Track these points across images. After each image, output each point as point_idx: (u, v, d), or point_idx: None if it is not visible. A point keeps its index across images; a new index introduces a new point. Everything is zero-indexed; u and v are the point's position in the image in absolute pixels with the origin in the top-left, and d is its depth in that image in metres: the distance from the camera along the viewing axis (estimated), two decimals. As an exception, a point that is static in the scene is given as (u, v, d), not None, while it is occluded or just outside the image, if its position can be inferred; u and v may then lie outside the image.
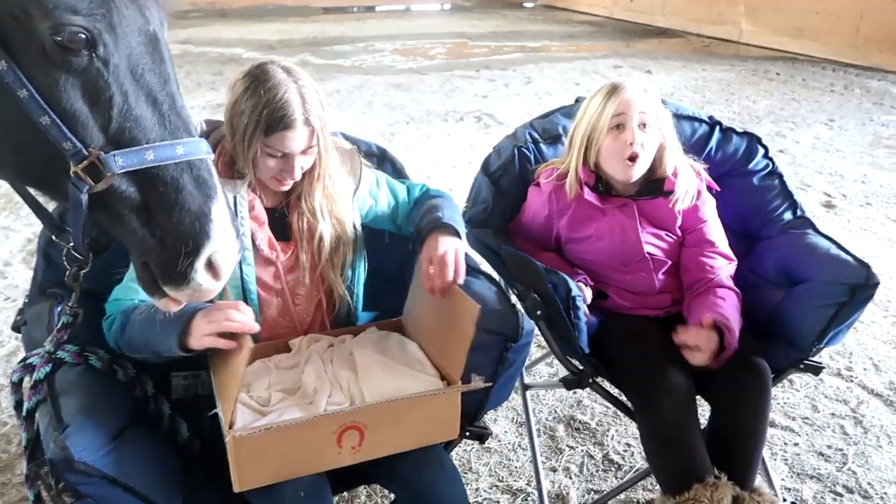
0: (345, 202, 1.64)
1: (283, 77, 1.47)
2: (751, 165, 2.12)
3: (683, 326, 1.75)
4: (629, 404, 1.80)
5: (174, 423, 1.45)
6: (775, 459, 2.27)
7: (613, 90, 1.81)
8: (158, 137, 1.08)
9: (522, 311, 1.59)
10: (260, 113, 1.44)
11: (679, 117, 2.10)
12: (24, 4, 0.97)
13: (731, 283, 1.88)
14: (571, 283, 1.70)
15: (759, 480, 1.71)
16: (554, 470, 2.22)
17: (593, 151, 1.85)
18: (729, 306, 1.78)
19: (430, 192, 1.79)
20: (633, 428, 2.37)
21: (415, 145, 5.21)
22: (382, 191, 1.76)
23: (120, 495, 1.22)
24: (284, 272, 1.61)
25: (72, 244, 1.20)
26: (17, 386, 1.31)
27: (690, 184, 1.87)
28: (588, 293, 1.82)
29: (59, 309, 1.27)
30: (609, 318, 1.90)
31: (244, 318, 1.34)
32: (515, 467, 2.24)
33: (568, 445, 2.33)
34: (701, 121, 2.16)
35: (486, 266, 1.92)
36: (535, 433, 2.16)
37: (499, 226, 2.02)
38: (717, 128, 2.16)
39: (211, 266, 1.15)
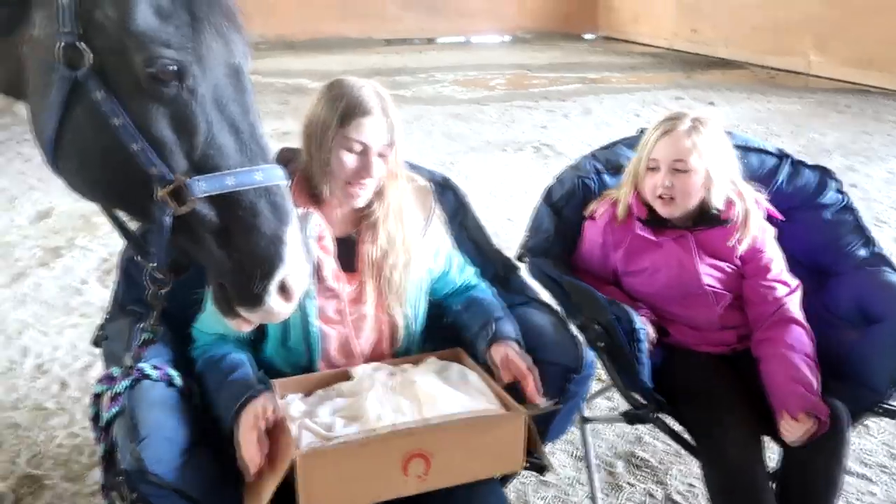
0: (415, 234, 1.63)
1: (360, 79, 1.54)
2: (822, 199, 2.07)
3: (786, 423, 1.65)
4: (693, 442, 1.75)
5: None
6: (849, 507, 2.16)
7: (662, 133, 1.80)
8: (238, 164, 1.13)
9: (583, 342, 1.57)
10: (335, 107, 1.48)
11: (747, 149, 2.06)
12: (121, 38, 1.04)
13: (800, 316, 1.81)
14: (634, 316, 1.68)
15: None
16: (613, 507, 2.17)
17: (642, 186, 1.85)
18: (808, 370, 1.70)
19: (482, 287, 1.76)
20: (696, 467, 2.29)
21: (473, 174, 5.25)
22: (443, 252, 1.72)
23: (183, 507, 1.26)
24: (348, 304, 1.60)
25: (154, 264, 1.25)
26: (97, 398, 1.37)
27: (751, 215, 1.83)
28: (651, 329, 1.79)
29: (140, 326, 1.33)
30: (673, 354, 1.86)
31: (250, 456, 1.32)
32: (573, 502, 2.20)
33: (627, 482, 2.27)
34: (769, 153, 2.12)
35: (546, 296, 1.91)
36: (594, 468, 2.12)
37: (560, 256, 2.01)
38: (787, 160, 2.11)
39: (283, 289, 1.19)
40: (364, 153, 1.50)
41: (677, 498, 2.19)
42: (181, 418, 1.35)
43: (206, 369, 1.49)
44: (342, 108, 1.47)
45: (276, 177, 1.17)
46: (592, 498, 2.08)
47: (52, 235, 4.22)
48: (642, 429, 2.49)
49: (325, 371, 1.60)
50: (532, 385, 1.46)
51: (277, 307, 1.19)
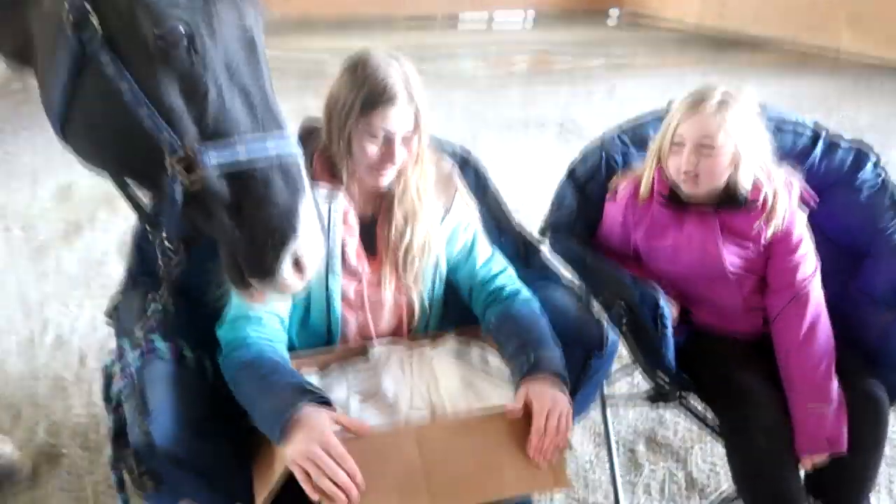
0: (435, 217, 1.57)
1: (386, 58, 1.41)
2: (859, 178, 1.98)
3: (807, 457, 1.59)
4: (717, 424, 1.70)
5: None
6: (879, 493, 2.10)
7: (689, 109, 1.71)
8: (250, 131, 1.10)
9: (606, 321, 1.52)
10: (360, 89, 1.38)
11: (780, 125, 1.98)
12: (129, 1, 1.00)
13: (821, 305, 1.72)
14: (659, 294, 1.62)
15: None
16: (632, 486, 2.13)
17: (666, 163, 1.77)
18: (823, 377, 1.62)
19: (522, 298, 1.57)
20: (718, 448, 2.24)
21: (495, 153, 5.18)
22: (461, 238, 1.63)
23: (196, 483, 1.24)
24: (367, 287, 1.55)
25: (165, 236, 1.23)
26: (107, 372, 1.35)
27: (780, 199, 1.75)
28: (674, 309, 1.74)
29: (150, 297, 1.30)
30: (698, 336, 1.80)
31: (346, 483, 1.15)
32: (592, 481, 2.16)
33: (648, 462, 2.23)
34: (804, 130, 2.03)
35: (568, 274, 1.86)
36: (614, 447, 2.08)
37: (583, 233, 1.95)
38: (823, 137, 2.02)
39: (296, 262, 1.15)
40: (387, 141, 1.42)
41: (699, 478, 2.15)
42: (192, 394, 1.32)
43: (239, 375, 1.35)
44: (365, 95, 1.38)
45: (290, 147, 1.13)
46: (612, 477, 2.04)
47: (74, 211, 4.24)
48: (664, 408, 2.43)
49: (342, 346, 1.57)
50: (536, 445, 1.27)
51: (291, 280, 1.16)
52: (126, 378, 1.29)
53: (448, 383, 1.42)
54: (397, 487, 1.20)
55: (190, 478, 1.23)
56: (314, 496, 1.15)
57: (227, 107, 1.08)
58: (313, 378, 1.49)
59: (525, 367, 1.37)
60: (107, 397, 1.31)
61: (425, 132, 1.48)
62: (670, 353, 1.65)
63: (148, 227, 1.24)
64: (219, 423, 1.33)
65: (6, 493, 2.10)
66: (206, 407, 1.35)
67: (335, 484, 1.14)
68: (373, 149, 1.42)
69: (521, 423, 1.30)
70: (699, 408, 1.74)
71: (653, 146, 1.82)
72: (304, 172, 1.16)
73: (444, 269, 1.62)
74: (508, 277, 1.64)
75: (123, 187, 1.23)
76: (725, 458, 2.15)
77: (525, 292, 1.60)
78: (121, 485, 1.28)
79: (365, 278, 1.54)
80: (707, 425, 1.71)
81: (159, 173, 1.08)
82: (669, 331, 1.63)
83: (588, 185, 2.00)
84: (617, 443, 2.27)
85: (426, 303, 1.60)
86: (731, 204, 1.75)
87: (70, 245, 3.85)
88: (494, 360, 1.53)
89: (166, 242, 1.23)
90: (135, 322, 1.38)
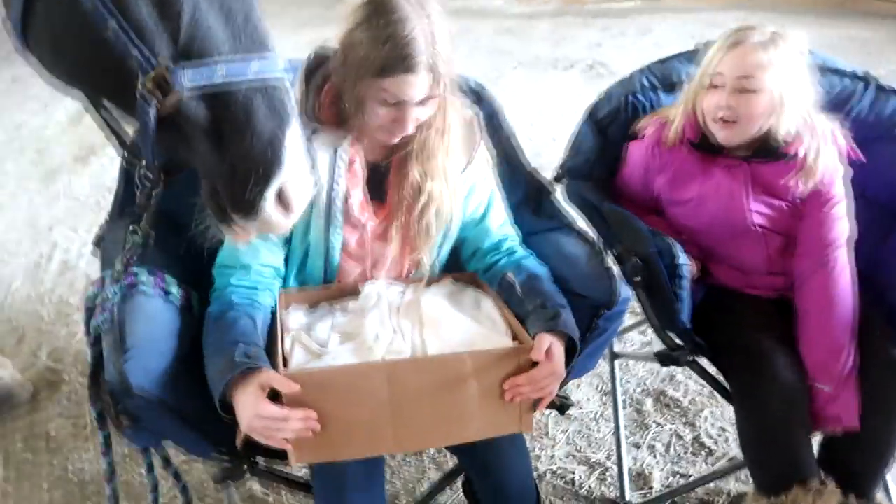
0: (454, 173, 1.44)
1: (411, 10, 1.24)
2: (908, 131, 1.82)
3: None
4: (728, 387, 1.61)
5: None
6: None
7: (732, 44, 1.55)
8: (231, 51, 0.99)
9: (618, 276, 1.42)
10: (378, 48, 1.23)
11: (825, 71, 1.81)
12: None
13: (848, 266, 1.59)
14: (678, 250, 1.51)
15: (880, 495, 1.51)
16: (637, 446, 2.07)
17: (699, 105, 1.63)
18: (836, 371, 1.49)
19: (535, 260, 1.50)
20: (730, 411, 2.17)
21: (520, 91, 4.99)
22: (478, 196, 1.52)
23: (173, 423, 1.19)
24: (371, 239, 1.45)
25: (143, 164, 1.14)
26: (90, 303, 1.29)
27: (821, 154, 1.60)
28: (694, 266, 1.63)
29: (130, 229, 1.23)
30: (715, 295, 1.69)
31: (300, 430, 1.14)
32: (596, 438, 2.11)
33: (655, 422, 2.16)
34: (850, 76, 1.87)
35: (582, 223, 1.76)
36: (620, 405, 2.01)
37: (601, 179, 1.83)
38: (871, 85, 1.86)
39: (282, 197, 1.07)
40: (401, 107, 1.29)
41: (707, 442, 2.08)
42: (175, 330, 1.26)
43: (207, 327, 1.30)
44: (384, 57, 1.23)
45: (275, 69, 1.03)
46: (617, 435, 1.98)
47: (87, 135, 4.18)
48: (675, 367, 2.35)
49: (335, 285, 1.49)
50: (522, 390, 1.23)
51: (275, 216, 1.08)
52: (105, 311, 1.22)
53: (433, 325, 1.34)
54: (363, 421, 1.19)
55: (169, 420, 1.18)
56: (285, 447, 1.16)
57: (205, 24, 0.98)
58: (300, 315, 1.42)
59: (550, 320, 1.31)
60: (88, 330, 1.25)
61: (450, 87, 1.34)
62: (685, 314, 1.55)
63: (125, 155, 1.15)
64: (199, 360, 1.27)
65: (5, 416, 2.11)
66: (192, 344, 1.29)
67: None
68: (385, 112, 1.30)
69: (494, 364, 1.25)
70: (712, 370, 1.64)
71: (687, 86, 1.67)
72: (292, 100, 1.06)
73: (455, 231, 1.52)
74: (519, 244, 1.57)
75: (98, 108, 1.14)
76: (735, 423, 2.11)
77: (533, 258, 1.52)
78: (101, 420, 1.24)
79: (369, 229, 1.45)
80: (720, 389, 1.62)
81: (131, 95, 0.99)
82: (686, 290, 1.53)
83: (610, 127, 1.86)
84: (624, 400, 2.21)
85: (431, 263, 1.51)
86: (765, 155, 1.61)
87: (82, 169, 3.81)
88: (487, 304, 1.44)
89: (145, 171, 1.15)
90: (120, 253, 1.31)
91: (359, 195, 1.41)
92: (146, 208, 1.19)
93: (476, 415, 1.23)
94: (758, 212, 1.63)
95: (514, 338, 1.35)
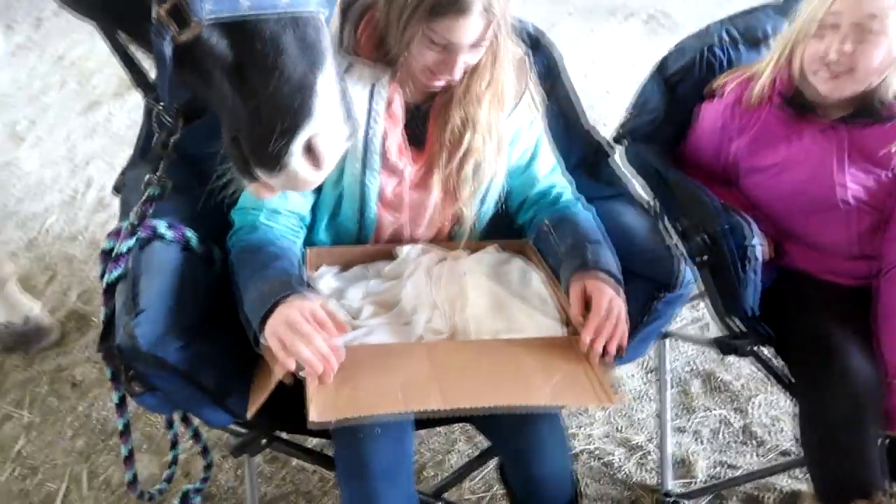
0: (501, 119, 1.32)
1: None
2: None
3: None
4: (793, 381, 1.46)
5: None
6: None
7: None
8: (258, -20, 0.86)
9: (680, 255, 1.26)
10: None
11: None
12: None
13: None
14: (751, 229, 1.34)
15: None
16: (681, 430, 1.94)
17: (798, 55, 1.43)
18: None
19: (582, 207, 1.40)
20: (784, 398, 2.02)
21: (574, 40, 4.72)
22: (524, 142, 1.39)
23: (188, 392, 1.10)
24: (410, 187, 1.33)
25: (162, 105, 1.03)
26: (106, 255, 1.20)
27: None
28: (767, 246, 1.46)
29: (147, 179, 1.12)
30: (787, 278, 1.52)
31: (323, 350, 1.02)
32: (637, 419, 1.98)
33: (702, 406, 2.02)
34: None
35: (642, 192, 1.60)
36: (666, 385, 1.87)
37: (668, 143, 1.66)
38: None
39: (310, 150, 0.95)
40: (450, 50, 1.18)
41: (758, 431, 1.94)
42: (194, 288, 1.16)
43: (239, 258, 1.20)
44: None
45: (310, 2, 0.90)
46: (661, 418, 1.85)
47: (129, 66, 4.09)
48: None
49: (370, 246, 1.38)
50: (599, 346, 1.12)
51: (303, 171, 0.96)
52: (119, 265, 1.13)
53: (477, 304, 1.21)
54: (400, 382, 1.04)
55: (183, 387, 1.09)
56: (289, 365, 1.02)
57: None
58: (329, 278, 1.31)
59: (581, 262, 1.22)
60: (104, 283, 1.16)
61: (504, 31, 1.21)
62: (753, 299, 1.39)
63: (143, 95, 1.04)
64: (225, 322, 1.17)
65: (33, 355, 2.08)
66: (212, 301, 1.20)
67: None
68: (432, 55, 1.19)
69: (546, 349, 1.13)
70: (774, 360, 1.49)
71: (785, 34, 1.46)
72: (327, 38, 0.94)
73: (500, 181, 1.38)
74: (569, 192, 1.44)
75: (114, 41, 1.03)
76: (792, 414, 1.96)
77: (580, 205, 1.41)
78: (115, 380, 1.16)
79: (407, 176, 1.33)
80: (781, 382, 1.47)
81: (146, 25, 0.87)
82: (756, 273, 1.37)
83: (680, 84, 1.67)
84: (670, 380, 2.07)
85: (473, 216, 1.39)
86: (867, 116, 1.41)
87: (122, 102, 3.73)
88: (536, 281, 1.31)
89: (163, 112, 1.04)
90: (139, 200, 1.20)
91: (397, 138, 1.29)
92: (164, 156, 1.09)
93: (539, 381, 1.06)
94: (850, 183, 1.44)
95: (567, 322, 1.23)
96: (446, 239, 1.43)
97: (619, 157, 1.62)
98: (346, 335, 1.14)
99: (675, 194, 1.52)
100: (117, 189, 1.39)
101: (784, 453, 1.87)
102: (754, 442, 1.91)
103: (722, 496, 1.74)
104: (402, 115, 1.30)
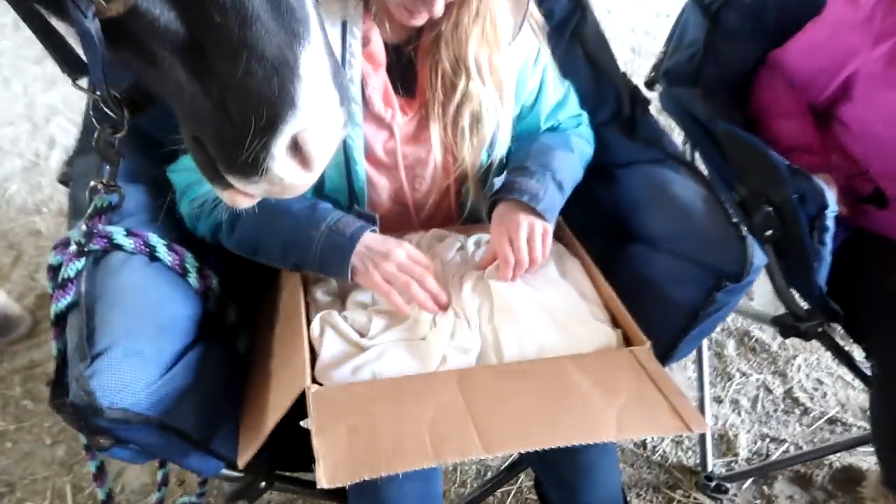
0: (503, 53, 1.09)
1: None
2: None
3: None
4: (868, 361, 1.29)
5: (235, 334, 1.09)
6: None
7: None
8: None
9: (749, 237, 1.05)
10: None
11: None
12: None
13: None
14: (829, 195, 1.13)
15: None
16: (718, 401, 1.79)
17: None
18: None
19: (563, 130, 1.24)
20: (828, 359, 1.86)
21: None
22: (530, 80, 1.18)
23: (168, 441, 0.91)
24: (402, 142, 1.12)
25: (97, 94, 0.79)
26: (54, 272, 0.98)
27: None
28: (842, 208, 1.25)
29: (91, 186, 0.89)
30: (863, 241, 1.31)
31: (437, 290, 1.01)
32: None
33: (739, 370, 1.86)
34: None
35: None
36: (706, 358, 1.70)
37: (715, 87, 1.42)
38: None
39: (297, 150, 0.73)
40: None
41: (800, 397, 1.79)
42: (170, 317, 0.95)
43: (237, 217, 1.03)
44: None
45: None
46: (700, 392, 1.68)
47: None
48: (764, 298, 2.01)
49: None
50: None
51: (289, 177, 0.74)
52: (68, 293, 0.91)
53: (508, 308, 1.01)
54: (430, 428, 0.84)
55: (162, 437, 0.89)
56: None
57: None
58: (327, 281, 1.11)
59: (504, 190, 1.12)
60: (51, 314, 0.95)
61: None
62: (823, 273, 1.20)
63: (72, 80, 0.80)
64: (198, 349, 0.97)
65: (1, 351, 1.88)
66: (190, 322, 0.99)
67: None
68: None
69: (600, 363, 0.94)
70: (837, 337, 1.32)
71: None
72: (309, 1, 0.69)
73: (507, 132, 1.17)
74: (576, 119, 1.27)
75: (29, 12, 0.78)
76: (836, 376, 1.80)
77: (586, 130, 1.27)
78: (87, 447, 0.96)
79: (398, 130, 1.11)
80: (852, 366, 1.30)
81: None
82: (829, 245, 1.17)
83: (724, 10, 1.42)
84: (707, 346, 1.89)
85: (477, 174, 1.18)
86: None
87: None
88: (574, 268, 1.12)
89: (101, 103, 0.80)
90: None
91: (380, 84, 1.07)
92: (111, 159, 0.85)
93: (601, 408, 0.87)
94: None
95: (614, 322, 1.03)
96: (456, 203, 1.22)
97: (652, 108, 1.39)
98: (356, 360, 0.94)
99: (725, 152, 1.30)
100: (64, 181, 1.16)
101: (831, 421, 1.72)
102: (798, 410, 1.76)
103: (768, 475, 1.60)
104: (383, 57, 1.07)
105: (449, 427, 0.84)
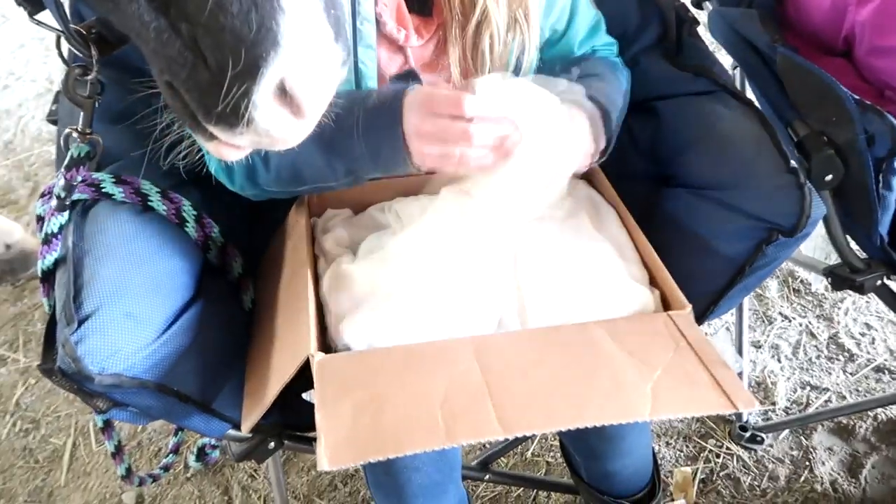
0: None
1: None
2: None
3: None
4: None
5: (240, 286, 1.02)
6: None
7: None
8: None
9: (809, 187, 0.93)
10: None
11: None
12: None
13: None
14: (898, 135, 0.99)
15: None
16: (757, 346, 1.70)
17: None
18: None
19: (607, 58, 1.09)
20: (876, 303, 1.75)
21: None
22: (560, 3, 1.03)
23: (169, 404, 0.86)
24: (418, 67, 1.00)
25: (60, 30, 0.70)
26: (42, 222, 0.91)
27: None
28: None
29: (65, 133, 0.81)
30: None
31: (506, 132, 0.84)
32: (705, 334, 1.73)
33: (781, 314, 1.76)
34: None
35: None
36: (745, 301, 1.60)
37: (770, 7, 1.25)
38: None
39: (285, 95, 0.63)
40: None
41: (846, 342, 1.68)
42: (162, 265, 0.88)
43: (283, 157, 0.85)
44: None
45: None
46: (738, 331, 1.59)
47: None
48: (812, 242, 1.89)
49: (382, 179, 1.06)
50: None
51: (277, 127, 0.65)
52: (53, 247, 0.85)
53: (533, 264, 0.92)
54: (443, 405, 0.76)
55: (157, 399, 0.84)
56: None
57: None
58: (337, 226, 1.02)
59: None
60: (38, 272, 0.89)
61: None
62: (886, 222, 1.07)
63: (29, 17, 0.70)
64: (199, 305, 0.90)
65: (21, 287, 1.86)
66: (188, 277, 0.92)
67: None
68: None
69: (635, 329, 0.85)
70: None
71: None
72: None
73: (531, 58, 1.03)
74: (606, 47, 1.12)
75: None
76: (885, 320, 1.69)
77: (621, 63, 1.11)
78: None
79: (412, 53, 0.98)
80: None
81: None
82: (895, 193, 1.04)
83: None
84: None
85: None
86: None
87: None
88: (611, 219, 1.01)
89: (68, 39, 0.71)
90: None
91: (391, 0, 0.94)
92: (82, 104, 0.76)
93: (634, 382, 0.78)
94: None
95: (652, 280, 0.94)
96: None
97: (700, 30, 1.23)
98: (367, 313, 0.86)
99: (783, 83, 1.15)
100: (52, 121, 1.07)
101: (878, 369, 1.62)
102: (843, 356, 1.66)
103: (807, 426, 1.52)
104: None
105: (464, 404, 0.77)
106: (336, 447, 0.73)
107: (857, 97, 1.02)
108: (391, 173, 0.88)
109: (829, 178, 1.04)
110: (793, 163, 0.94)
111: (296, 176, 0.91)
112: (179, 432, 1.29)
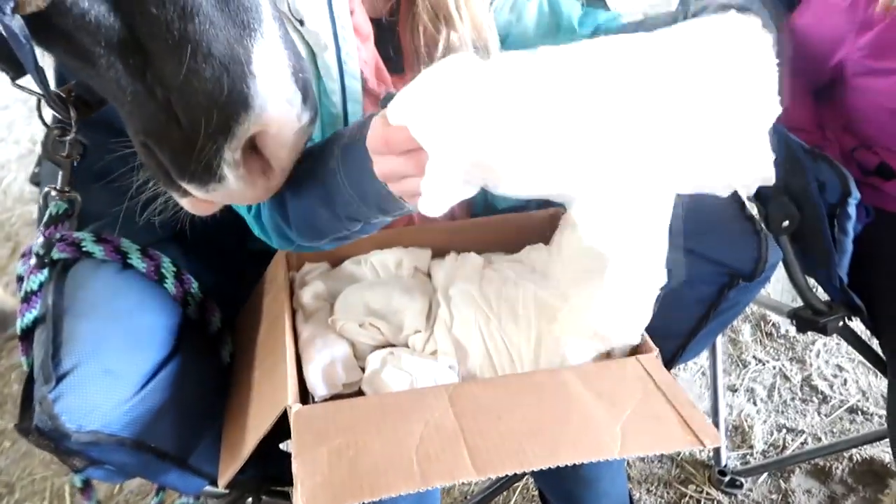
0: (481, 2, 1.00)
1: None
2: None
3: None
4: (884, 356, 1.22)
5: (218, 340, 1.04)
6: None
7: None
8: None
9: (766, 233, 0.97)
10: None
11: None
12: None
13: None
14: (851, 184, 1.05)
15: None
16: (733, 389, 1.72)
17: None
18: None
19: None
20: (846, 345, 1.78)
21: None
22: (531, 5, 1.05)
23: (146, 461, 0.86)
24: None
25: (41, 93, 0.73)
26: (21, 282, 0.93)
27: None
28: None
29: (44, 191, 0.84)
30: (883, 224, 1.23)
31: None
32: (682, 379, 1.76)
33: (755, 357, 1.79)
34: None
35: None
36: (719, 346, 1.63)
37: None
38: None
39: (256, 153, 0.67)
40: None
41: (820, 384, 1.71)
42: (145, 330, 0.89)
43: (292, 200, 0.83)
44: None
45: None
46: (713, 375, 1.61)
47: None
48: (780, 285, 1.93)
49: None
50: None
51: (246, 185, 0.69)
52: (32, 306, 0.87)
53: (513, 317, 0.94)
54: (418, 449, 0.77)
55: (133, 456, 0.85)
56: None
57: None
58: (316, 281, 1.04)
59: None
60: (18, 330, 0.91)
61: None
62: (844, 265, 1.12)
63: (11, 82, 0.74)
64: (177, 361, 0.91)
65: (0, 346, 1.85)
66: (168, 333, 0.93)
67: None
68: None
69: (602, 373, 0.87)
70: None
71: None
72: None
73: None
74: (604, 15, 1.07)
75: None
76: (856, 361, 1.73)
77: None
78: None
79: None
80: (872, 358, 1.23)
81: None
82: (850, 234, 1.09)
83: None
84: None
85: None
86: None
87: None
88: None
89: (48, 103, 0.74)
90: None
91: (370, 57, 0.99)
92: (61, 163, 0.79)
93: (604, 422, 0.80)
94: None
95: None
96: None
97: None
98: (347, 371, 0.88)
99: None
100: (35, 182, 1.10)
101: (851, 410, 1.65)
102: (816, 398, 1.69)
103: (785, 468, 1.54)
104: (368, 28, 0.98)
105: (438, 447, 0.78)
106: (313, 493, 0.73)
107: (807, 146, 1.08)
108: (391, 213, 0.80)
109: (785, 223, 1.09)
110: (750, 209, 0.98)
111: (313, 230, 0.88)
112: (161, 492, 1.27)
